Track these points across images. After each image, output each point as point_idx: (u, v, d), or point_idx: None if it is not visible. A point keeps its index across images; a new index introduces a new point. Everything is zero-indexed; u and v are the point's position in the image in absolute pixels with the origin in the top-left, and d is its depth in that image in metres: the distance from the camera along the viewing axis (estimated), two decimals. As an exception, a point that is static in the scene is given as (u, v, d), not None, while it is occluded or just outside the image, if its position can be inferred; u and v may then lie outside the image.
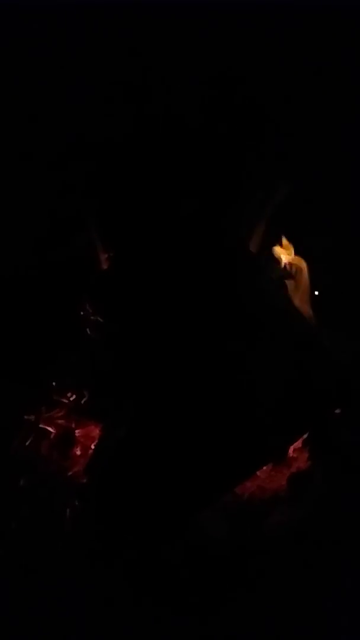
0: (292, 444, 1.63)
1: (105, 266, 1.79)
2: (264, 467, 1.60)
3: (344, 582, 1.38)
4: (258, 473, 1.60)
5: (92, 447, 1.66)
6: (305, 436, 1.63)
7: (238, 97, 1.84)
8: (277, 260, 1.75)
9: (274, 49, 1.79)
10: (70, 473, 1.64)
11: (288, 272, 1.73)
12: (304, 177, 1.82)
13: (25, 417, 1.73)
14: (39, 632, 1.36)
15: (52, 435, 1.72)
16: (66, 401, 1.75)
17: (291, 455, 1.65)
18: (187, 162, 1.83)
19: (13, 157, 1.84)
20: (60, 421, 1.73)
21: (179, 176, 1.83)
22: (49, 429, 1.72)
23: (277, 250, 1.75)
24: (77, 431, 1.72)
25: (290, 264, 1.74)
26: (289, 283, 1.73)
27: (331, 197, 1.84)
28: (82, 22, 1.77)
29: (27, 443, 1.70)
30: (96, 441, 1.65)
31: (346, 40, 1.78)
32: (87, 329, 1.68)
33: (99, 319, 1.66)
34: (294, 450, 1.65)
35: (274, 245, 1.75)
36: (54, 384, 1.76)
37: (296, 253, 1.77)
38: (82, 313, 1.69)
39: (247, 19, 1.77)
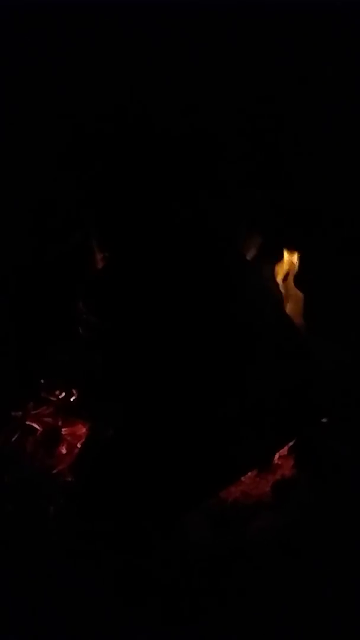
0: (278, 451, 1.64)
1: (100, 266, 1.79)
2: (249, 473, 1.61)
3: (325, 590, 1.38)
4: (243, 479, 1.61)
5: (79, 446, 1.66)
6: (291, 443, 1.64)
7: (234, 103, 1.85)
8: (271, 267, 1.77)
9: (274, 53, 1.80)
10: (55, 471, 1.64)
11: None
12: (300, 182, 1.83)
13: (12, 413, 1.73)
14: (22, 629, 1.35)
15: (38, 433, 1.71)
16: (54, 399, 1.75)
17: (276, 462, 1.66)
18: (183, 165, 1.84)
19: (11, 156, 1.83)
20: (47, 419, 1.73)
21: (175, 179, 1.84)
22: (35, 426, 1.72)
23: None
24: (63, 429, 1.72)
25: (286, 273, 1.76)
26: (282, 289, 1.75)
27: (328, 204, 1.86)
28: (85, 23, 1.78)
29: (12, 439, 1.69)
30: (83, 440, 1.65)
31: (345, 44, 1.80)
32: (80, 328, 1.68)
33: (91, 318, 1.66)
34: (279, 457, 1.66)
35: (269, 251, 1.77)
36: (42, 381, 1.76)
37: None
38: (75, 311, 1.68)
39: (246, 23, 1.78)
